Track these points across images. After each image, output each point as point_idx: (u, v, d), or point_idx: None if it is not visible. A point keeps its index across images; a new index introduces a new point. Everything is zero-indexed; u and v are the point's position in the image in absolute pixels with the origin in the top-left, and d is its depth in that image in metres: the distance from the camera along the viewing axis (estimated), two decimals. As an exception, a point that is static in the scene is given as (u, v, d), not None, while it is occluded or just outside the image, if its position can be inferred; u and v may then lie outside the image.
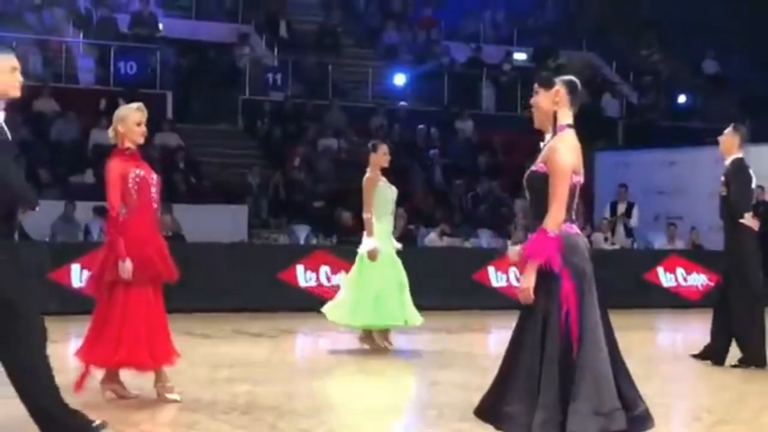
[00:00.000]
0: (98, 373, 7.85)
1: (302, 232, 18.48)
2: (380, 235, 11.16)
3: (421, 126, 23.63)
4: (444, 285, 15.89)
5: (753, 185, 11.11)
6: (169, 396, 7.80)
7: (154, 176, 7.91)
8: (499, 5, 28.88)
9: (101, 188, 7.90)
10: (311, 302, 15.39)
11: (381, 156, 11.47)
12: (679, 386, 9.98)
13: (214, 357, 10.42)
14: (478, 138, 24.00)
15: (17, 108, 19.75)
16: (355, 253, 11.35)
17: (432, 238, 18.57)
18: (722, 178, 10.85)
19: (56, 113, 19.87)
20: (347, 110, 23.69)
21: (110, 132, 7.84)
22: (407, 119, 24.09)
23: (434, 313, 13.60)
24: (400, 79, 25.19)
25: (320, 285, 15.80)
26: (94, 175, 17.78)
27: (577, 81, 5.96)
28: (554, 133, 5.89)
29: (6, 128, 5.81)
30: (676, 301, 17.64)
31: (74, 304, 12.03)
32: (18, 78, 5.94)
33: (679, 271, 18.11)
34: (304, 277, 15.79)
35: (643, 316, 15.41)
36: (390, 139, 23.24)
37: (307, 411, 7.64)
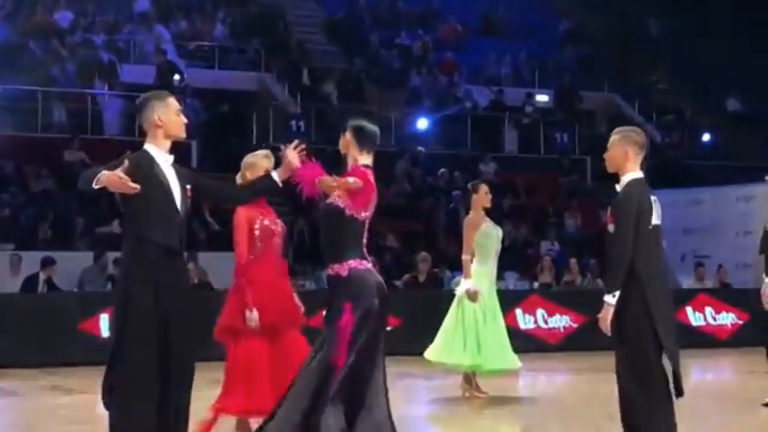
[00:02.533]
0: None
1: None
2: (481, 276, 11.00)
3: (443, 170, 23.66)
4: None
5: None
6: None
7: (280, 224, 7.98)
8: (519, 48, 28.95)
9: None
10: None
11: (482, 196, 11.28)
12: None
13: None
14: (500, 180, 23.99)
15: (46, 159, 20.04)
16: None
17: (458, 281, 18.50)
18: None
19: (84, 163, 20.00)
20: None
21: (238, 178, 7.84)
22: (430, 163, 24.14)
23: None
24: (422, 124, 25.26)
25: (349, 331, 15.76)
26: (120, 225, 17.84)
27: (367, 125, 6.25)
28: (348, 172, 6.24)
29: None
30: (706, 340, 17.52)
31: (103, 354, 12.04)
32: (184, 121, 6.08)
33: (708, 310, 18.02)
34: (331, 322, 15.77)
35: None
36: (413, 183, 23.35)
37: None
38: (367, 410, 5.84)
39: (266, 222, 7.83)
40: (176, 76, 23.92)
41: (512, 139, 25.77)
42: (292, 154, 6.32)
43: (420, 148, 24.74)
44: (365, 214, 5.93)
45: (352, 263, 5.82)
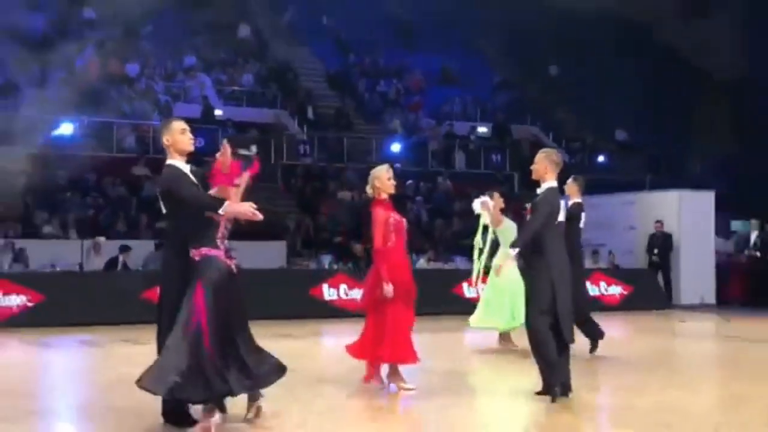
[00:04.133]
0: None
1: (326, 259, 18.45)
2: (506, 257, 9.88)
3: (410, 181, 23.67)
4: (430, 296, 15.83)
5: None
6: (405, 386, 7.55)
7: (404, 220, 7.80)
8: (466, 93, 29.02)
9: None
10: (334, 312, 15.41)
11: (497, 201, 10.76)
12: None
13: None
14: (454, 190, 24.03)
15: (120, 173, 19.98)
16: (365, 274, 11.10)
17: (421, 263, 18.52)
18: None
19: (147, 176, 19.91)
20: (358, 171, 23.73)
21: (368, 189, 7.72)
22: (402, 176, 24.15)
23: (425, 318, 13.53)
24: (396, 147, 25.28)
25: (340, 299, 15.75)
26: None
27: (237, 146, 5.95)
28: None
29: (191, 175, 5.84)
30: (601, 306, 17.56)
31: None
32: (190, 137, 5.89)
33: (602, 284, 18.07)
34: (328, 293, 15.75)
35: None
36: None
37: (333, 388, 7.60)
38: (246, 349, 5.83)
39: (396, 217, 7.71)
40: (217, 111, 23.92)
41: (461, 159, 25.79)
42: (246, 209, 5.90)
43: (397, 165, 24.74)
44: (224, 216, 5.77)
45: (204, 250, 5.73)
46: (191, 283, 5.73)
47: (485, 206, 10.45)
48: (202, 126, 23.00)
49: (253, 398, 6.03)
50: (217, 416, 5.64)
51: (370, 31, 29.51)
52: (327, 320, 14.69)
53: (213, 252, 5.75)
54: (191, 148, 5.96)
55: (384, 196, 7.61)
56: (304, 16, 29.65)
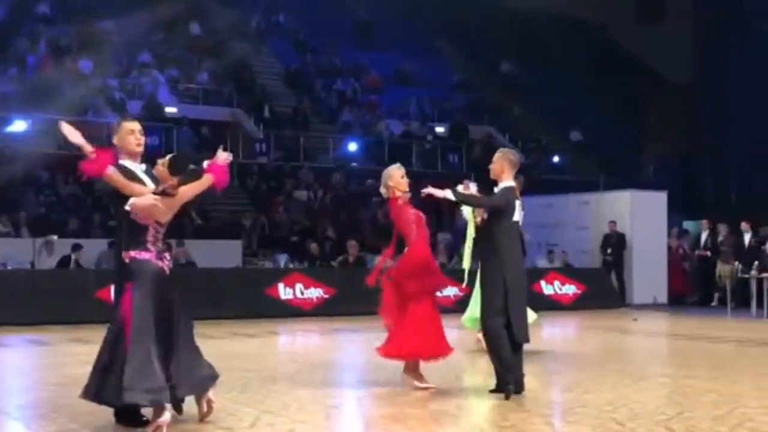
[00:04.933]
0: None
1: (282, 258, 18.41)
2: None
3: (369, 181, 23.68)
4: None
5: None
6: (422, 385, 7.49)
7: (422, 215, 7.72)
8: (423, 93, 29.13)
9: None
10: (290, 311, 15.40)
11: (473, 189, 10.77)
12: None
13: (221, 351, 10.31)
14: (411, 189, 24.06)
15: (72, 171, 19.74)
16: (320, 273, 11.15)
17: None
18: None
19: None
20: (314, 170, 23.73)
21: (382, 189, 7.70)
22: (359, 176, 24.16)
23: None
24: (353, 147, 25.28)
25: (296, 298, 15.73)
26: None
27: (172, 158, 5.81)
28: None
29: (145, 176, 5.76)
30: (555, 305, 17.77)
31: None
32: (137, 138, 5.81)
33: (556, 283, 18.27)
34: (284, 292, 15.72)
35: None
36: (346, 190, 23.34)
37: (286, 386, 7.60)
38: (178, 357, 5.72)
39: (417, 212, 7.66)
40: (172, 109, 23.73)
41: (418, 158, 25.87)
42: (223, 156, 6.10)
43: (354, 164, 24.76)
44: (152, 221, 5.73)
45: (133, 253, 5.72)
46: (122, 285, 5.74)
47: (466, 189, 10.47)
48: (156, 124, 22.88)
49: (199, 395, 5.99)
50: (167, 415, 5.60)
51: (328, 30, 29.50)
52: (282, 319, 14.66)
53: (143, 254, 5.71)
54: (138, 150, 5.88)
55: (398, 194, 7.60)
56: (262, 14, 29.58)
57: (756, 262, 16.60)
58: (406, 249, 7.65)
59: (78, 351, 10.31)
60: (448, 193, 7.29)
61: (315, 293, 15.75)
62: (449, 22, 31.28)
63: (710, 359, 10.33)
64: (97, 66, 23.88)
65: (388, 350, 7.59)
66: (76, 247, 15.64)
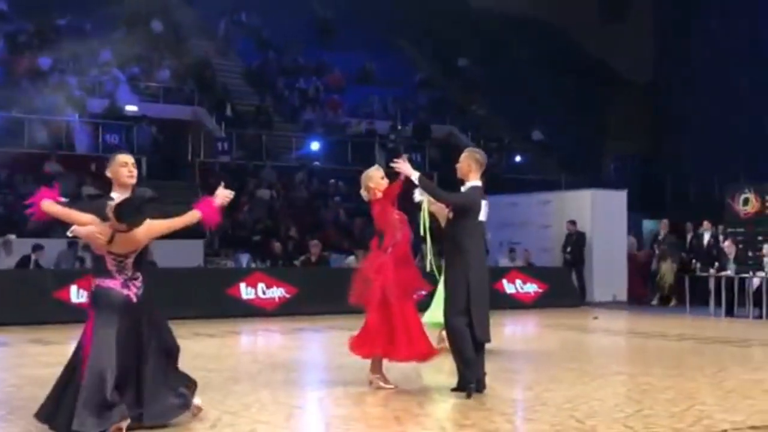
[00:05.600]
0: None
1: (244, 258, 18.35)
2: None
3: (332, 180, 23.68)
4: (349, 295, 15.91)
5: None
6: (386, 386, 7.50)
7: (405, 215, 7.70)
8: (386, 92, 29.17)
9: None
10: (251, 311, 15.36)
11: None
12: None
13: (182, 351, 10.24)
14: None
15: (31, 169, 19.50)
16: (282, 273, 11.10)
17: (351, 260, 18.61)
18: None
19: (59, 173, 19.50)
20: (277, 169, 23.66)
21: (363, 192, 7.67)
22: (322, 175, 24.14)
23: (343, 315, 13.60)
24: (315, 146, 25.25)
25: (258, 297, 15.68)
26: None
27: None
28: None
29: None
30: (517, 304, 17.88)
31: (71, 316, 11.79)
32: (129, 171, 5.92)
33: (518, 281, 18.38)
34: (245, 291, 15.66)
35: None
36: (309, 189, 23.30)
37: (247, 386, 7.58)
38: (143, 386, 5.69)
39: (400, 214, 7.65)
40: (132, 107, 23.55)
41: (381, 158, 25.90)
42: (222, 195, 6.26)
43: (316, 163, 24.73)
44: (104, 251, 5.76)
45: (98, 281, 5.75)
46: (88, 311, 5.77)
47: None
48: (116, 122, 22.69)
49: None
50: (127, 421, 5.57)
51: (291, 28, 29.43)
52: (244, 319, 14.61)
53: (107, 282, 5.72)
54: (129, 181, 6.00)
55: (379, 195, 7.58)
56: (225, 13, 29.43)
57: (716, 263, 16.87)
58: (385, 248, 7.63)
59: (36, 351, 10.19)
60: (414, 174, 7.28)
61: (277, 293, 15.71)
62: (412, 21, 31.37)
63: (668, 357, 10.48)
64: (56, 63, 23.61)
65: (359, 347, 7.59)
66: (37, 248, 15.47)
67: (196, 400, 6.12)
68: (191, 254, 17.88)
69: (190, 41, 27.94)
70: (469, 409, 6.69)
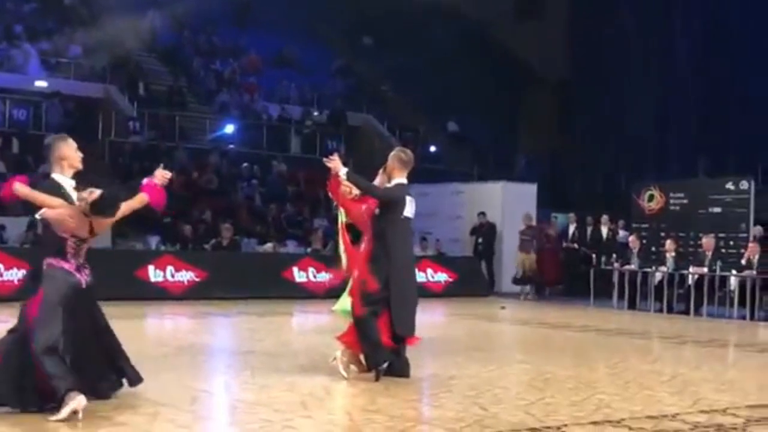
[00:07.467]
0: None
1: (153, 240, 18.05)
2: None
3: (245, 164, 23.47)
4: (260, 280, 15.83)
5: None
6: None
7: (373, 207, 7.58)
8: (303, 77, 29.04)
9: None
10: (160, 293, 15.12)
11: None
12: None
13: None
14: (287, 174, 24.00)
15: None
16: (192, 257, 10.99)
17: (267, 248, 18.49)
18: None
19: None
20: (190, 151, 23.33)
21: (344, 190, 7.58)
22: (235, 158, 23.90)
23: (254, 301, 13.50)
24: (230, 128, 24.99)
25: (166, 280, 15.45)
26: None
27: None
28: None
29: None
30: (427, 293, 17.91)
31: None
32: (80, 155, 6.03)
33: (429, 271, 18.49)
34: (154, 274, 15.41)
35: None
36: (221, 174, 23.04)
37: (151, 369, 7.45)
38: (83, 365, 5.74)
39: (367, 206, 7.59)
40: (42, 83, 22.89)
41: (296, 143, 25.80)
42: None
43: (231, 146, 24.48)
44: (69, 234, 5.74)
45: (50, 261, 5.69)
46: (35, 287, 5.70)
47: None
48: (25, 98, 22.05)
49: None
50: (81, 399, 5.48)
51: (207, 8, 28.97)
52: (152, 302, 14.37)
53: (62, 264, 5.73)
54: (80, 166, 6.10)
55: (350, 197, 7.61)
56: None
57: (614, 255, 17.38)
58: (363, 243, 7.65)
59: None
60: (342, 169, 7.34)
61: (186, 276, 15.50)
62: (331, 7, 31.21)
63: (572, 347, 10.72)
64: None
65: (346, 336, 7.56)
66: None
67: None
68: (99, 236, 17.47)
69: (103, 16, 27.27)
70: (375, 394, 6.73)
